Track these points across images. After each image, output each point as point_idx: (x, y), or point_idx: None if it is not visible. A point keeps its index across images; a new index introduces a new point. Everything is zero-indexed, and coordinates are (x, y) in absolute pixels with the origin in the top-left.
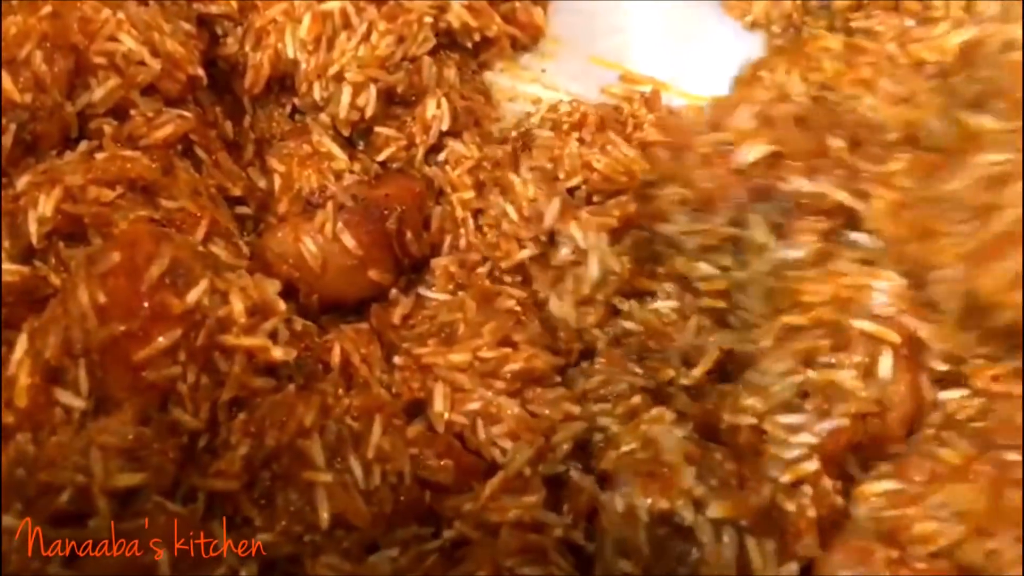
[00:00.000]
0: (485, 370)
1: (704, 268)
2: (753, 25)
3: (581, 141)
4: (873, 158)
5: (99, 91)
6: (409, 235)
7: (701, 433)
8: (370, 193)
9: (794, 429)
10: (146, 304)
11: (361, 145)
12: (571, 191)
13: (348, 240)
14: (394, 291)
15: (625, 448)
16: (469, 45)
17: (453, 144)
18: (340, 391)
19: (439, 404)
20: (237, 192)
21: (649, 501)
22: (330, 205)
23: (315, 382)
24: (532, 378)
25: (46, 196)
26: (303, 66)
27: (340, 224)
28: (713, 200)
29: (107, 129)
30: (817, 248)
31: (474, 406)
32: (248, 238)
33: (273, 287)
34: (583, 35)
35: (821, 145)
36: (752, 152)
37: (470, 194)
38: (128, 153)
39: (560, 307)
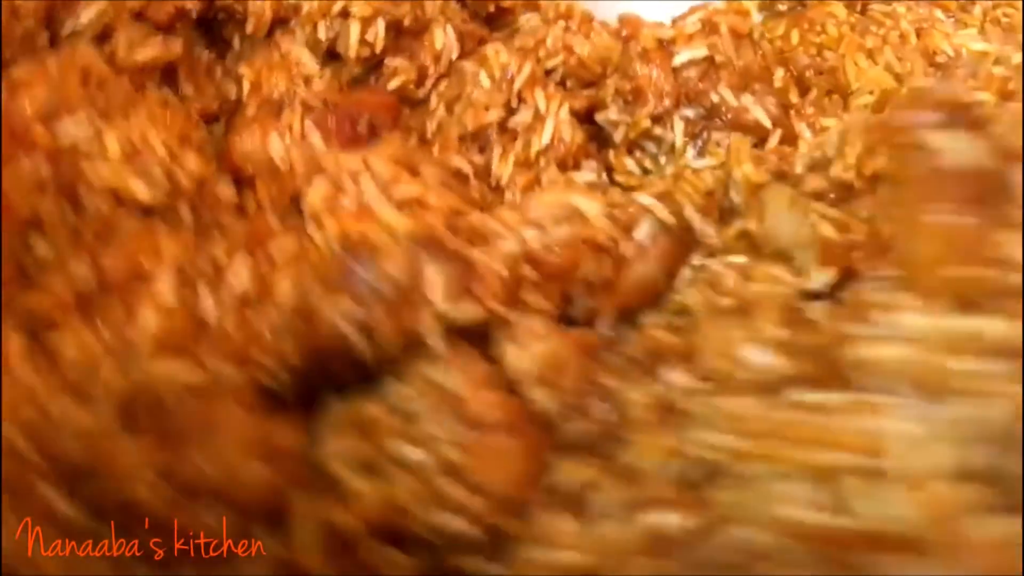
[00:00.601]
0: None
1: (628, 163)
2: (760, 9)
3: (567, 29)
4: (818, 106)
5: (86, 14)
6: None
7: None
8: (340, 98)
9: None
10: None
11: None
12: (548, 73)
13: (316, 140)
14: None
15: None
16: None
17: (457, 62)
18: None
19: (313, 194)
20: (214, 108)
21: None
22: (298, 105)
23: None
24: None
25: None
26: (305, 8)
27: (308, 123)
28: (644, 94)
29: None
30: (723, 163)
31: (348, 204)
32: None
33: (154, 134)
34: None
35: (765, 71)
36: (686, 53)
37: (446, 83)
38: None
39: (499, 165)
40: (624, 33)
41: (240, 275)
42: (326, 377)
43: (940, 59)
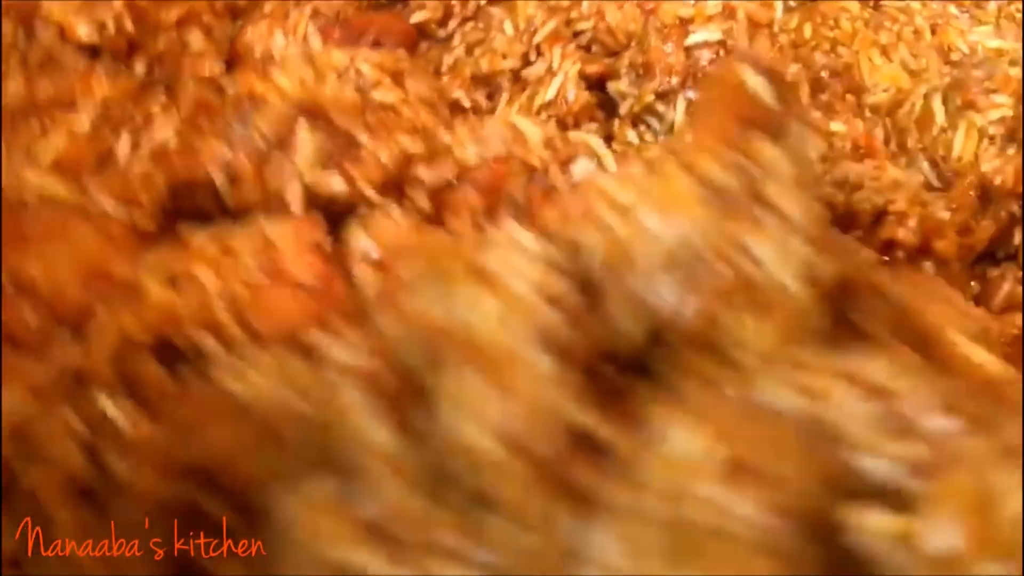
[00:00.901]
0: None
1: (629, 135)
2: None
3: None
4: (828, 108)
5: None
6: None
7: None
8: (354, 14)
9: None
10: None
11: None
12: (577, 35)
13: (315, 42)
14: None
15: None
16: None
17: (486, 7)
18: None
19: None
20: (242, 5)
21: None
22: (308, 9)
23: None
24: None
25: None
26: None
27: (312, 27)
28: (653, 69)
29: None
30: None
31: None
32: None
33: None
34: None
35: (778, 64)
36: (700, 33)
37: (471, 25)
38: None
39: (502, 109)
40: (648, 6)
41: (165, 131)
42: (193, 212)
43: (955, 56)
